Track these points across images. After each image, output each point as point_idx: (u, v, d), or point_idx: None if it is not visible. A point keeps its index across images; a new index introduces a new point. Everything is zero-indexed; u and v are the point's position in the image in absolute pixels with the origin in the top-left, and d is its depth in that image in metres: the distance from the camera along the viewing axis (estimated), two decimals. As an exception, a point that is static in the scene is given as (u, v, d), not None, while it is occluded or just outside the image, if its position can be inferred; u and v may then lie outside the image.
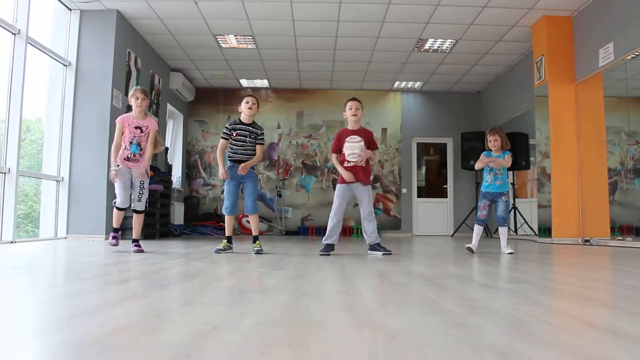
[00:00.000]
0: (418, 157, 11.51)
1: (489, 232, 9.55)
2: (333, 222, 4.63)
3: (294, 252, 5.01)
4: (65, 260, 3.92)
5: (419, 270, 3.18)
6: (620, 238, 6.74)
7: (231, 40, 8.54)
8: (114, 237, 4.78)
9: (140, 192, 4.75)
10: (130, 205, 4.78)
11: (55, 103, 7.08)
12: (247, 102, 4.81)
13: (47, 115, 7.14)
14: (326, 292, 2.22)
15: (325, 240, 4.61)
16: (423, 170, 11.83)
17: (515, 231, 9.10)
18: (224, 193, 4.86)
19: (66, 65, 7.09)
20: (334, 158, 4.81)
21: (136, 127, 4.70)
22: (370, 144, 4.71)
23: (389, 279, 2.71)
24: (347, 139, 4.67)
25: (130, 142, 4.69)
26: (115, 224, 4.83)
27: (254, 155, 4.80)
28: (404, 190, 11.17)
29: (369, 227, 4.66)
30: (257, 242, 4.73)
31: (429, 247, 6.34)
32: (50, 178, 6.93)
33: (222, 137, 4.82)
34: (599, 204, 7.08)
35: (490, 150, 4.94)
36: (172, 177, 9.57)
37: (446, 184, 11.38)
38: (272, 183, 11.04)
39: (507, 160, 4.85)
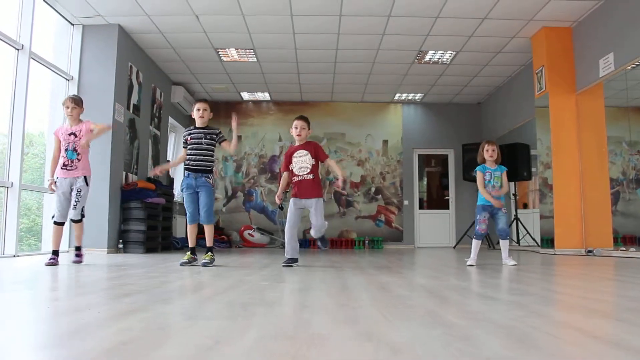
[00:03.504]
0: (419, 169, 11.51)
1: (492, 244, 9.52)
2: (287, 236, 4.71)
3: (296, 264, 4.99)
4: (67, 274, 3.91)
5: (421, 283, 3.17)
6: (624, 248, 6.71)
7: (232, 54, 8.59)
8: (51, 259, 4.51)
9: (76, 200, 4.66)
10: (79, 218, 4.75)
11: (58, 117, 7.10)
12: (199, 110, 4.73)
13: (50, 129, 7.16)
14: (328, 305, 2.22)
15: (289, 254, 4.67)
16: (425, 182, 11.83)
17: (518, 242, 9.07)
18: (184, 203, 4.81)
19: (68, 80, 7.13)
20: (284, 176, 4.85)
21: (70, 134, 4.68)
22: (318, 155, 4.78)
23: (391, 291, 2.70)
24: (294, 155, 4.76)
25: (66, 149, 4.67)
26: (53, 245, 4.66)
27: (209, 159, 4.72)
28: (406, 202, 11.16)
29: (315, 236, 4.83)
30: (209, 254, 4.67)
31: (431, 258, 6.32)
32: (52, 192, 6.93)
33: (183, 147, 4.81)
34: (601, 215, 7.05)
35: (485, 162, 4.96)
36: (174, 191, 9.58)
37: (448, 196, 11.38)
38: (273, 196, 11.03)
39: (505, 188, 4.99)
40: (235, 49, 8.36)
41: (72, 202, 4.67)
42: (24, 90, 5.92)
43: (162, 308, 2.10)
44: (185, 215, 4.79)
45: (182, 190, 4.79)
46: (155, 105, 8.98)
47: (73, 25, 7.25)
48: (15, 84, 5.92)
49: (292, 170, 4.75)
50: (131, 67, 7.84)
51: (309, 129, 4.85)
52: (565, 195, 7.14)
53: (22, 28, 5.99)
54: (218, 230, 10.42)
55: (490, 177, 4.92)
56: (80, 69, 7.21)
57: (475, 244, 4.95)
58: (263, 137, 11.18)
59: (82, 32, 7.27)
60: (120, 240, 7.21)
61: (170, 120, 9.95)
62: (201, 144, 4.67)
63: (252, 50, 8.41)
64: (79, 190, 4.67)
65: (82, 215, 4.75)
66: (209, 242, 4.74)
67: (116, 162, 7.19)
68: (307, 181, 4.68)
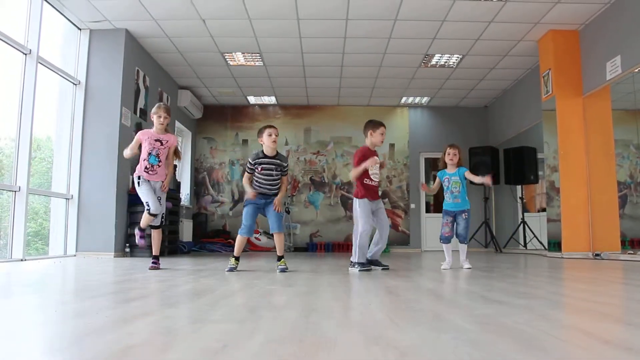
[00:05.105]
0: (426, 173, 11.48)
1: (499, 248, 9.49)
2: (363, 239, 4.72)
3: (303, 268, 5.00)
4: (75, 278, 3.92)
5: (428, 286, 3.16)
6: (632, 252, 6.67)
7: (239, 58, 8.61)
8: (141, 237, 4.81)
9: None
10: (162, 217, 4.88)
11: (65, 121, 7.15)
12: (271, 135, 4.84)
13: (57, 134, 7.20)
14: (336, 308, 2.21)
15: (360, 259, 4.68)
16: (431, 186, 11.79)
17: (525, 246, 9.03)
18: (243, 214, 4.75)
19: (76, 84, 7.17)
20: (361, 168, 4.79)
21: (156, 140, 4.79)
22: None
23: (398, 295, 2.70)
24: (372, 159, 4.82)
25: (149, 154, 4.76)
26: (142, 224, 4.85)
27: (280, 186, 4.80)
28: (413, 206, 11.14)
29: (384, 241, 4.90)
30: (282, 260, 4.65)
31: (438, 262, 6.30)
32: (59, 196, 6.97)
33: (247, 172, 4.77)
34: (609, 218, 7.01)
35: (446, 166, 5.04)
36: (180, 194, 9.60)
37: (454, 199, 11.33)
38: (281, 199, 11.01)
39: (476, 179, 5.09)
40: (242, 53, 8.38)
41: None
42: (32, 94, 5.95)
43: (170, 312, 2.10)
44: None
45: (245, 204, 4.75)
46: (162, 110, 9.00)
47: (80, 29, 7.29)
48: (23, 89, 5.95)
49: (367, 171, 4.80)
50: (138, 71, 7.88)
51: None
52: (572, 198, 7.11)
53: (30, 33, 6.03)
54: (225, 235, 10.43)
55: (449, 183, 5.03)
56: (87, 74, 7.25)
57: (445, 248, 5.09)
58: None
59: (89, 36, 7.31)
60: (127, 244, 7.24)
61: (177, 124, 9.98)
62: (272, 175, 4.73)
63: (258, 55, 8.43)
64: (159, 198, 4.79)
65: (162, 222, 4.91)
66: (280, 250, 4.70)
67: (123, 167, 7.21)
68: (377, 187, 4.93)
